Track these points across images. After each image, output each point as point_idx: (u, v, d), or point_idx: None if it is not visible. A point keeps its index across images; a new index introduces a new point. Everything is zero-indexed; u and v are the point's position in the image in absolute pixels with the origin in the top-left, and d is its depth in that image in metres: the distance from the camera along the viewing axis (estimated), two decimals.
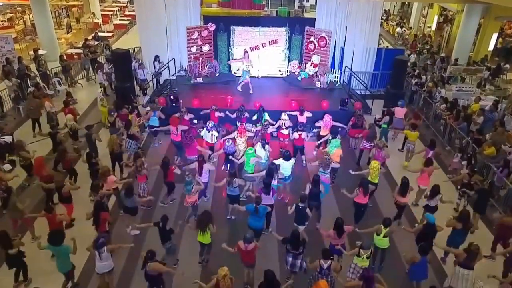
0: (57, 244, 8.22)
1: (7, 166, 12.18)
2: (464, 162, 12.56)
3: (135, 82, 17.85)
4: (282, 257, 9.35)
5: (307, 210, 9.55)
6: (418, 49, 27.37)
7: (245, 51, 17.25)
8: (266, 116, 13.97)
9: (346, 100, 15.73)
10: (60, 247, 8.25)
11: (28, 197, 11.09)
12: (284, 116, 13.65)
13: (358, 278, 7.86)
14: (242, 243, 8.26)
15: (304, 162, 13.57)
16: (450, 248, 9.01)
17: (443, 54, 24.73)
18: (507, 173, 11.98)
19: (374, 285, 7.43)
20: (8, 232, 8.75)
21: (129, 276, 9.24)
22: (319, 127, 14.21)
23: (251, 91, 17.02)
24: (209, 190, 11.78)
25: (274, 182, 10.48)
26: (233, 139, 12.52)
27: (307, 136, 13.28)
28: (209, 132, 12.74)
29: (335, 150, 11.98)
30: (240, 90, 17.04)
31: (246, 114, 14.02)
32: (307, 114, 14.09)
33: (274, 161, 11.14)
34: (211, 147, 13.08)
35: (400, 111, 15.07)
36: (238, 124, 13.37)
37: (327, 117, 13.96)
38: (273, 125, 13.59)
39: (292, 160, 11.62)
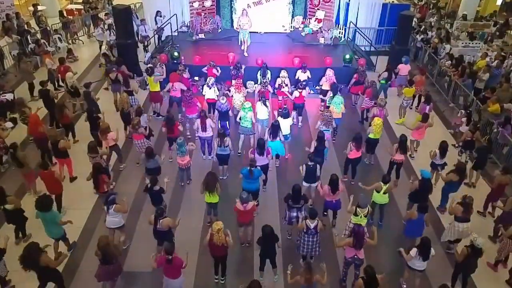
0: (45, 210, 8.00)
1: (9, 124, 12.09)
2: (464, 119, 12.46)
3: (137, 39, 17.60)
4: (282, 215, 9.48)
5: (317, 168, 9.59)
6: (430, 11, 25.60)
7: (244, 9, 16.76)
8: (269, 74, 13.83)
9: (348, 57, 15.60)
10: (48, 213, 8.04)
11: (33, 152, 11.10)
12: (283, 73, 13.52)
13: (348, 234, 7.87)
14: (240, 204, 8.32)
15: (300, 123, 13.44)
16: (450, 209, 8.99)
17: (465, 12, 23.46)
18: (510, 130, 11.95)
19: (364, 240, 7.55)
20: (17, 188, 8.83)
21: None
22: (321, 84, 14.18)
23: (246, 54, 16.35)
24: (213, 146, 11.83)
25: (277, 139, 10.58)
26: (228, 97, 12.42)
27: (308, 93, 13.16)
28: (210, 88, 12.68)
29: (340, 106, 12.03)
30: (247, 55, 16.44)
31: (242, 72, 13.79)
32: (308, 74, 13.92)
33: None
34: (214, 103, 13.00)
35: (404, 68, 14.96)
36: (234, 82, 13.24)
37: (330, 72, 13.89)
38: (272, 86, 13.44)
39: (291, 119, 11.62)
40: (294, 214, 8.64)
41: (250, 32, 16.53)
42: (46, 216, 8.06)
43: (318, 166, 9.56)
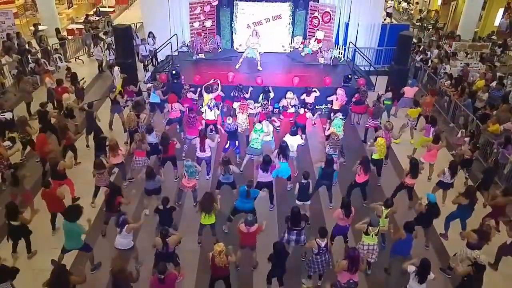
0: (73, 221, 8.04)
1: (7, 144, 12.01)
2: (466, 139, 12.38)
3: (136, 58, 17.65)
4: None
5: (309, 186, 9.51)
6: None
7: (254, 30, 16.80)
8: (271, 96, 13.77)
9: (349, 76, 15.48)
10: (74, 224, 8.05)
11: (28, 173, 10.94)
12: (289, 94, 13.44)
13: (344, 258, 7.62)
14: (244, 226, 8.11)
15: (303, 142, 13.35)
16: (465, 233, 8.83)
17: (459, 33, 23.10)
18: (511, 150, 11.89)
19: (359, 264, 7.42)
20: None
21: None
22: (331, 102, 14.10)
23: (260, 68, 16.61)
24: (212, 166, 11.78)
25: (284, 160, 10.44)
26: (234, 116, 12.38)
27: (313, 115, 13.03)
28: (211, 110, 12.62)
29: (341, 129, 11.88)
30: (238, 67, 16.61)
31: (245, 94, 13.77)
32: (314, 94, 13.85)
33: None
34: (214, 124, 12.92)
35: (410, 91, 14.89)
36: (237, 104, 13.07)
37: (341, 91, 13.84)
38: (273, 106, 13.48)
39: (298, 136, 11.52)
40: (294, 237, 8.47)
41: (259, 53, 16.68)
42: (70, 226, 8.07)
43: (310, 184, 9.53)
